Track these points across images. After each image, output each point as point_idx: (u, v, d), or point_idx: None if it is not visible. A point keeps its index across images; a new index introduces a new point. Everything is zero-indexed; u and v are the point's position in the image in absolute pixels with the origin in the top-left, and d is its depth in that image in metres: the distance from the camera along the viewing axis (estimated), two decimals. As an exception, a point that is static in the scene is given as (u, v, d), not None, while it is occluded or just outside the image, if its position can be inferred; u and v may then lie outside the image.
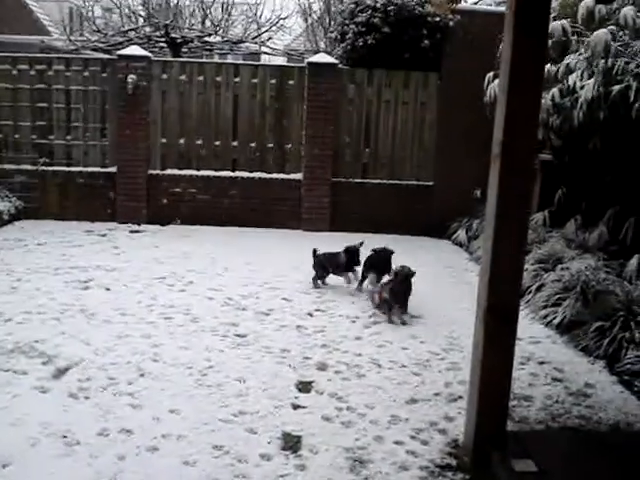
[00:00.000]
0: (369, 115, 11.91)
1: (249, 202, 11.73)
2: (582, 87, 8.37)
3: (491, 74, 9.52)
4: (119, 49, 13.34)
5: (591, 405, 5.62)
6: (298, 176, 11.75)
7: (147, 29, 19.02)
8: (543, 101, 8.66)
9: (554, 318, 7.38)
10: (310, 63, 11.75)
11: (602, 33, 7.87)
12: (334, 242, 10.64)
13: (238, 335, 6.76)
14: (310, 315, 7.47)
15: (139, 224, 11.55)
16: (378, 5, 11.41)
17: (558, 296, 7.61)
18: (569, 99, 8.63)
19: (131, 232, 11.13)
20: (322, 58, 11.96)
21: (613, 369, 6.35)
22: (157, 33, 18.32)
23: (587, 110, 8.26)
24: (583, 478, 4.35)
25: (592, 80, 8.22)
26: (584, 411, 5.51)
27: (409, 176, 12.00)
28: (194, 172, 11.76)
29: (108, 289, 8.00)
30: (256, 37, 20.56)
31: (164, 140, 11.74)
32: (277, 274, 8.90)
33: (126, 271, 8.75)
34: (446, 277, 9.26)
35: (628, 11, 7.93)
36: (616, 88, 8.00)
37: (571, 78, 8.60)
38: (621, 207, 9.00)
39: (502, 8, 11.72)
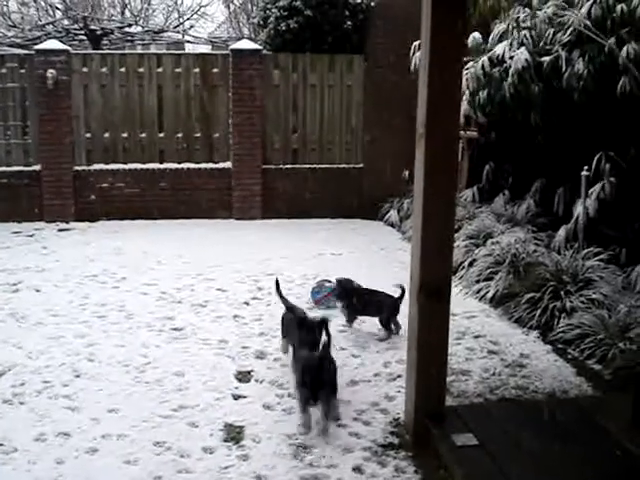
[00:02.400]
0: (296, 100, 11.85)
1: (179, 194, 11.57)
2: (511, 57, 8.33)
3: (417, 43, 9.51)
4: (37, 44, 12.93)
5: (527, 375, 5.75)
6: (227, 165, 11.65)
7: (65, 22, 18.57)
8: (473, 70, 8.69)
9: (487, 292, 7.52)
10: (233, 50, 11.62)
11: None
12: (266, 230, 10.68)
13: (174, 329, 6.68)
14: (246, 304, 7.43)
15: (68, 222, 11.28)
16: (299, -12, 11.34)
17: (490, 270, 7.75)
18: (498, 70, 8.60)
19: (60, 231, 10.87)
20: (245, 44, 11.85)
21: (547, 338, 6.50)
22: (75, 26, 17.89)
23: (518, 81, 8.25)
24: (521, 447, 4.43)
25: (522, 49, 8.20)
26: (520, 381, 5.63)
27: (339, 160, 12.01)
28: (121, 166, 11.54)
29: (38, 290, 7.81)
30: (178, 26, 20.29)
31: (88, 135, 11.48)
32: (211, 265, 8.82)
33: (56, 271, 8.56)
34: (380, 258, 9.32)
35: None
36: (547, 59, 8.04)
37: (500, 47, 8.54)
38: (547, 179, 9.19)
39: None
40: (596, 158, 7.66)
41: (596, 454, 4.39)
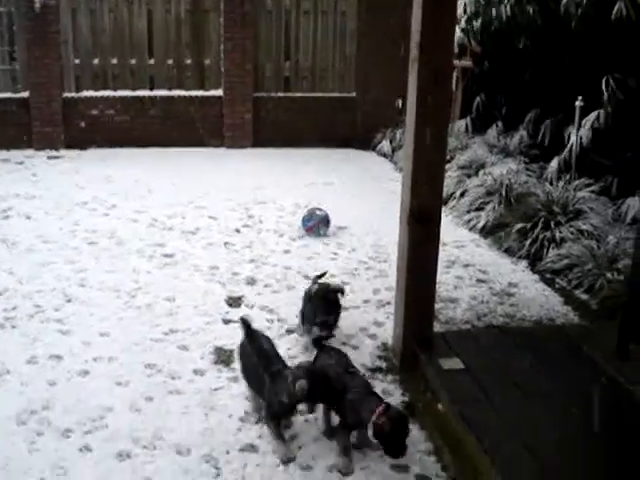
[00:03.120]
0: (288, 27, 11.63)
1: (169, 121, 11.42)
2: None
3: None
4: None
5: (515, 304, 5.83)
6: (219, 92, 11.48)
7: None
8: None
9: (478, 222, 7.56)
10: (225, -26, 11.34)
11: None
12: (258, 159, 10.61)
13: (165, 255, 6.71)
14: (237, 231, 7.45)
15: (57, 150, 11.15)
16: None
17: (481, 200, 7.78)
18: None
19: (49, 158, 10.76)
20: (237, -32, 11.57)
21: (535, 268, 6.57)
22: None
23: (515, 1, 8.06)
24: (507, 372, 4.50)
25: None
26: (508, 309, 5.71)
27: (332, 88, 11.86)
28: (111, 93, 11.37)
29: (29, 217, 7.78)
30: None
31: (77, 61, 11.26)
32: (202, 193, 8.79)
33: (46, 198, 8.51)
34: (371, 188, 9.30)
35: None
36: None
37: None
38: (541, 110, 9.13)
39: None
40: (604, 81, 7.53)
41: (581, 382, 4.46)
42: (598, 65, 7.76)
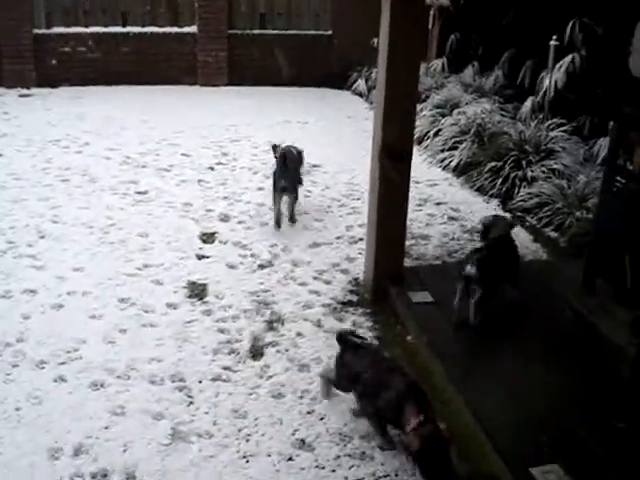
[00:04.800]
0: (263, -39, 11.42)
1: (143, 59, 11.20)
2: None
3: None
4: None
5: (485, 240, 5.89)
6: (193, 29, 11.30)
7: None
8: None
9: (451, 161, 7.59)
10: None
11: None
12: (232, 97, 10.52)
13: (139, 192, 6.69)
14: (211, 169, 7.43)
15: (29, 88, 10.94)
16: None
17: (455, 139, 7.80)
18: None
19: (20, 96, 10.56)
20: None
21: (506, 207, 6.64)
22: None
23: None
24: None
25: None
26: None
27: (307, 26, 11.70)
28: (82, 29, 11.12)
29: (0, 155, 7.68)
30: None
31: (47, -4, 11.01)
32: (175, 130, 8.71)
33: (18, 136, 8.38)
34: (346, 127, 9.29)
35: None
36: None
37: None
38: (517, 50, 9.09)
39: None
40: (569, 26, 7.53)
41: (548, 315, 4.58)
42: (569, 8, 7.72)
